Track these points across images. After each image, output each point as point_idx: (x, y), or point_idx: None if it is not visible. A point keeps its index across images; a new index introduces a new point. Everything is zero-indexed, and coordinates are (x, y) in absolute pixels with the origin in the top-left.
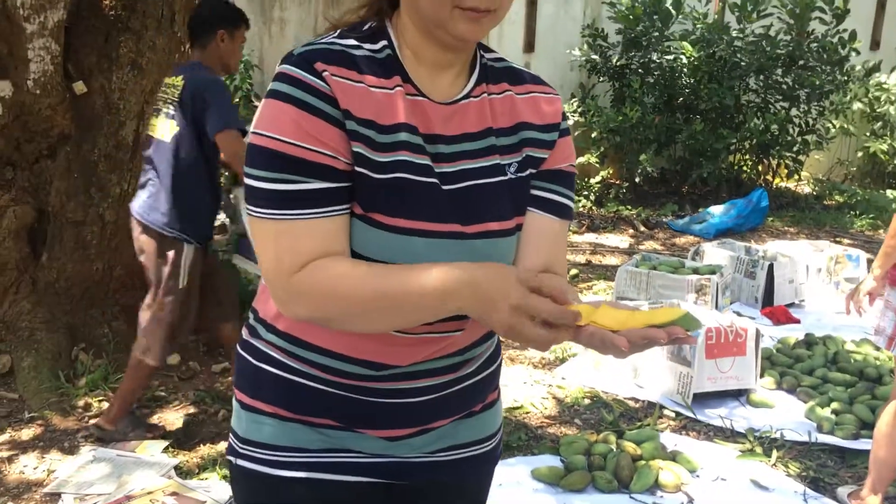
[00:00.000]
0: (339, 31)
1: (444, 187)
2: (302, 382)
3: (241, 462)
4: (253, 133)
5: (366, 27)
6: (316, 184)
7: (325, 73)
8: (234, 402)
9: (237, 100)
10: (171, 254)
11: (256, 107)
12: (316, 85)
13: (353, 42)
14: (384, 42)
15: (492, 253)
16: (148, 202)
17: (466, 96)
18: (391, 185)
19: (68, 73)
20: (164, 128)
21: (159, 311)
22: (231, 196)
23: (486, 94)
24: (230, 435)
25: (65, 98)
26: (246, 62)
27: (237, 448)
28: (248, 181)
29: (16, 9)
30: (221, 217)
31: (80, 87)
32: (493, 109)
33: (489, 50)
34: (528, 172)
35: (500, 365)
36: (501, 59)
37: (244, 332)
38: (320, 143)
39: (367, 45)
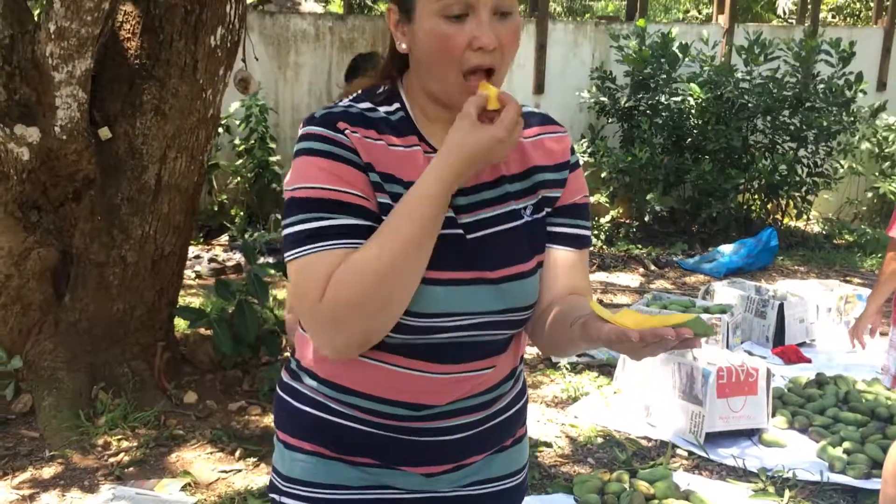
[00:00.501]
0: (354, 96)
1: (468, 236)
2: (344, 424)
3: (284, 500)
4: (286, 192)
5: (379, 91)
6: (346, 219)
7: (346, 131)
8: (277, 442)
9: (252, 141)
10: None
11: (272, 148)
12: (339, 139)
13: (369, 105)
14: (398, 105)
15: (517, 293)
16: None
17: None
18: None
19: (94, 120)
20: None
21: None
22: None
23: None
24: (272, 473)
25: (90, 143)
26: (262, 106)
27: (280, 486)
28: (284, 232)
29: (45, 58)
30: (237, 257)
31: (104, 132)
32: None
33: None
34: (543, 213)
35: (526, 402)
36: None
37: (285, 376)
38: (349, 185)
39: (382, 108)
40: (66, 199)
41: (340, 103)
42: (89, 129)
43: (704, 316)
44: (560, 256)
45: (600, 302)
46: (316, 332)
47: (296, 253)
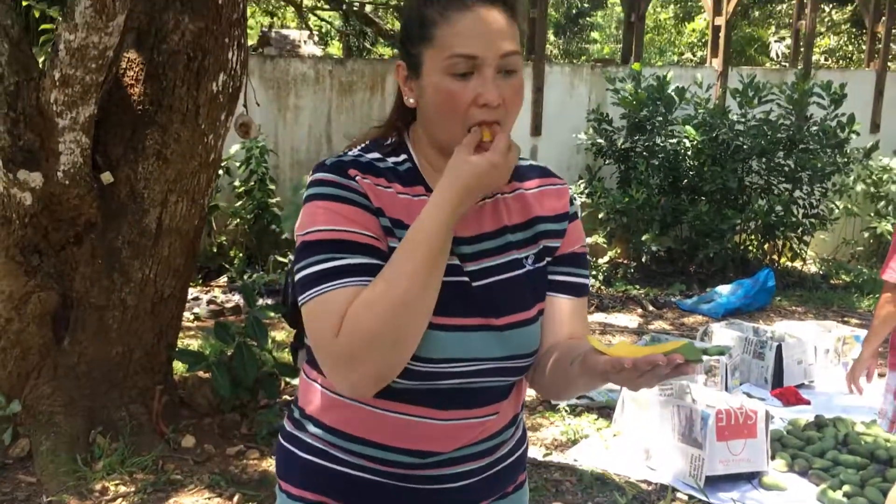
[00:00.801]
0: (363, 146)
1: (474, 284)
2: (349, 472)
3: None
4: (298, 237)
5: (387, 142)
6: (358, 258)
7: (357, 178)
8: (279, 492)
9: (252, 183)
10: None
11: (271, 189)
12: (350, 184)
13: (377, 156)
14: (405, 156)
15: (520, 340)
16: None
17: (482, 199)
18: None
19: (96, 164)
20: None
21: None
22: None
23: (498, 195)
24: None
25: (92, 188)
26: (262, 147)
27: None
28: (297, 276)
29: (49, 105)
30: (237, 298)
31: (107, 177)
32: (507, 207)
33: None
34: (545, 262)
35: (526, 448)
36: None
37: (287, 425)
38: (360, 226)
39: (390, 159)
40: (67, 242)
41: (350, 153)
42: (92, 173)
43: (703, 357)
44: (560, 304)
45: None
46: (332, 368)
47: (310, 294)
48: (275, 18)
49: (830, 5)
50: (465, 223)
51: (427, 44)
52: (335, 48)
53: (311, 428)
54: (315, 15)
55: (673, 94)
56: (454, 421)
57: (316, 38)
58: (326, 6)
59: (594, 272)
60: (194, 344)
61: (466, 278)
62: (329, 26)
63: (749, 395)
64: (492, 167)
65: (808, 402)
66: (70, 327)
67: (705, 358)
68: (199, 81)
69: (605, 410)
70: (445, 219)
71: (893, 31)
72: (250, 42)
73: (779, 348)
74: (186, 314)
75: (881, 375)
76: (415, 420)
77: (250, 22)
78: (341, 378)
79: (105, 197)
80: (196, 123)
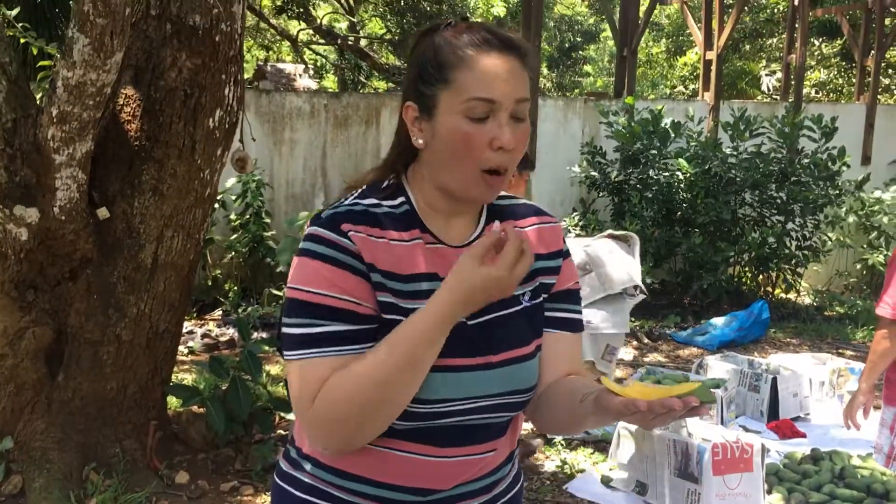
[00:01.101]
0: (360, 191)
1: (469, 323)
2: None
3: None
4: (288, 288)
5: (385, 185)
6: (337, 326)
7: (350, 233)
8: None
9: (247, 216)
10: None
11: (267, 223)
12: (342, 243)
13: (374, 201)
14: (402, 198)
15: (519, 376)
16: None
17: (479, 237)
18: None
19: (92, 200)
20: None
21: None
22: None
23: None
24: None
25: (88, 223)
26: (258, 181)
27: None
28: (283, 330)
29: (46, 141)
30: (231, 332)
31: (103, 212)
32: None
33: None
34: (541, 298)
35: (522, 485)
36: (505, 197)
37: (284, 465)
38: (344, 292)
39: (386, 203)
40: (62, 278)
41: (346, 201)
42: (88, 209)
43: None
44: (557, 340)
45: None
46: (309, 434)
47: (290, 356)
48: (271, 52)
49: (820, 39)
50: None
51: (444, 85)
52: (330, 81)
53: (309, 467)
54: (310, 49)
55: (669, 128)
56: (454, 458)
57: (311, 72)
58: (322, 40)
59: None
60: (189, 378)
61: (463, 319)
62: (324, 60)
63: (745, 429)
64: (494, 281)
65: (803, 435)
66: (64, 363)
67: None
68: (195, 117)
69: (602, 444)
70: (438, 324)
71: (882, 64)
72: (246, 75)
73: (774, 381)
74: (181, 348)
75: (877, 408)
76: (415, 458)
77: (247, 56)
78: (313, 440)
79: (101, 232)
80: (192, 159)
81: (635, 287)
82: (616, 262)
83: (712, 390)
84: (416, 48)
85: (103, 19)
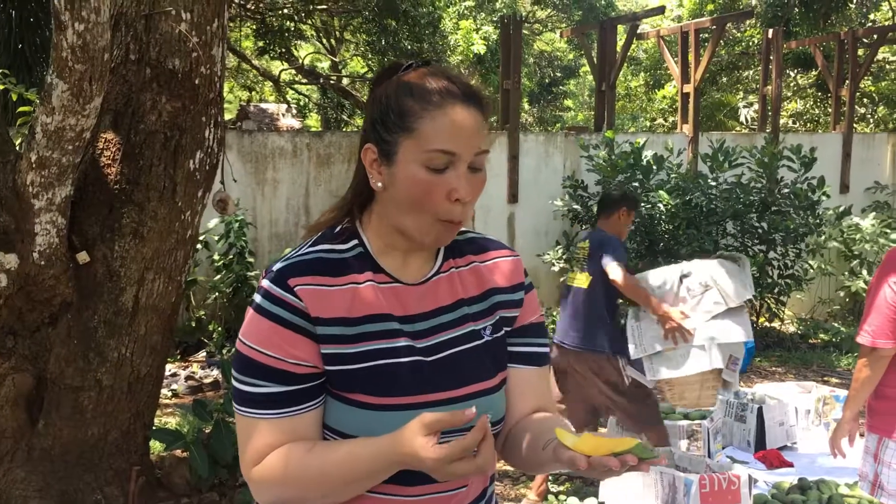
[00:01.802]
0: (313, 239)
1: (428, 359)
2: None
3: None
4: (237, 340)
5: (338, 230)
6: (275, 387)
7: (296, 288)
8: None
9: (231, 256)
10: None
11: (250, 262)
12: (288, 300)
13: (325, 247)
14: (355, 241)
15: (484, 410)
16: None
17: (436, 273)
18: (374, 372)
19: (72, 244)
20: (582, 279)
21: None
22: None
23: (453, 269)
24: None
25: (68, 268)
26: (241, 221)
27: None
28: (232, 382)
29: (25, 187)
30: (215, 373)
31: (83, 257)
32: (463, 281)
33: None
34: (503, 332)
35: None
36: (463, 232)
37: None
38: (284, 352)
39: (338, 248)
40: (42, 323)
41: (299, 250)
42: (67, 253)
43: (684, 423)
44: (523, 375)
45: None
46: (250, 488)
47: (236, 410)
48: (253, 93)
49: (795, 71)
50: (423, 298)
51: (405, 134)
52: (314, 120)
53: None
54: (293, 89)
55: (651, 161)
56: (422, 496)
57: (294, 111)
58: (304, 80)
59: None
60: (172, 422)
61: (419, 357)
62: (307, 99)
63: (733, 459)
64: (427, 462)
65: (791, 465)
66: (45, 409)
67: (685, 423)
68: (175, 160)
69: (589, 479)
70: (377, 470)
71: (857, 94)
72: (229, 116)
73: (760, 411)
74: (164, 391)
75: (862, 435)
76: (382, 498)
77: (229, 96)
78: (257, 497)
79: (81, 276)
80: (173, 201)
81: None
82: (733, 277)
83: (692, 426)
84: (377, 90)
85: (82, 65)
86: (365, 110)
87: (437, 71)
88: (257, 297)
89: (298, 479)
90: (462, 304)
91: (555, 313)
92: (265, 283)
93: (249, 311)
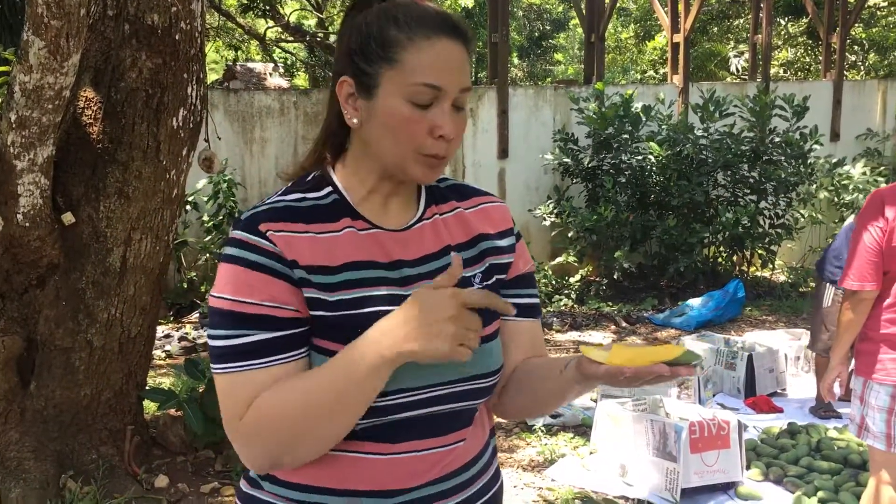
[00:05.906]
0: (284, 188)
1: None
2: None
3: None
4: (210, 296)
5: (309, 178)
6: (261, 335)
7: (268, 233)
8: None
9: (220, 217)
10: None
11: None
12: (261, 245)
13: (297, 196)
14: (329, 188)
15: (480, 359)
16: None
17: (419, 220)
18: (357, 321)
19: (57, 205)
20: None
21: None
22: None
23: (437, 215)
24: None
25: (53, 229)
26: (229, 181)
27: None
28: (208, 342)
29: (6, 147)
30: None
31: (68, 217)
32: (448, 227)
33: None
34: (494, 279)
35: (501, 485)
36: (444, 179)
37: (244, 485)
38: (265, 297)
39: (311, 195)
40: (29, 285)
41: (269, 199)
42: (52, 214)
43: None
44: (518, 327)
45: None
46: (238, 449)
47: (217, 369)
48: (239, 52)
49: (786, 18)
50: (407, 245)
51: (388, 65)
52: (302, 79)
53: (267, 485)
54: (279, 47)
55: (640, 112)
56: (409, 454)
57: (282, 70)
58: (290, 38)
59: (566, 291)
60: (167, 382)
61: None
62: (294, 58)
63: (723, 406)
64: (452, 339)
65: (780, 410)
66: (36, 371)
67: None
68: (158, 118)
69: (581, 429)
70: (369, 365)
71: (847, 41)
72: (216, 76)
73: (750, 358)
74: (158, 352)
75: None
76: (374, 458)
77: (216, 56)
78: (246, 459)
79: (67, 238)
80: (157, 160)
81: None
82: None
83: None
84: (354, 18)
85: (58, 21)
86: (338, 41)
87: (422, 1)
88: (227, 249)
89: (283, 415)
90: (449, 251)
91: (546, 268)
92: (234, 232)
93: (220, 266)
